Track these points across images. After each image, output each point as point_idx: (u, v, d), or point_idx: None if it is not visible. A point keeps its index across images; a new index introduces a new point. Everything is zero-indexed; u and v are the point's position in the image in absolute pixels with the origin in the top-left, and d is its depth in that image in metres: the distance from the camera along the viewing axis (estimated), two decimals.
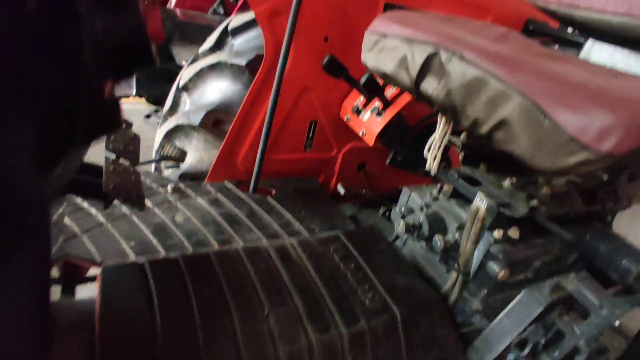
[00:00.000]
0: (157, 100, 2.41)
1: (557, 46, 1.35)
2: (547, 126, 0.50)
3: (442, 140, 0.76)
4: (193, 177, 1.33)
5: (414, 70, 0.68)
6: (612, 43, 0.93)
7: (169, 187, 1.11)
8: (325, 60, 1.03)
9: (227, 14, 2.57)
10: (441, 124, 0.75)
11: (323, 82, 1.16)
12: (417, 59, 0.68)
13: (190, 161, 1.38)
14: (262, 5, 0.99)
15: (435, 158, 0.77)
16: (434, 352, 0.80)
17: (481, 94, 0.58)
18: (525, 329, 0.81)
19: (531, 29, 1.38)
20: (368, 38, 0.82)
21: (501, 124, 0.56)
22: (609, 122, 0.46)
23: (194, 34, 2.38)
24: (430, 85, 0.67)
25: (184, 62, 2.10)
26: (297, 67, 1.12)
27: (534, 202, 0.80)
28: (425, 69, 0.67)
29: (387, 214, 1.30)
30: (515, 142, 0.55)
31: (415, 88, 0.70)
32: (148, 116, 2.25)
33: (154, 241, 0.90)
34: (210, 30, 2.49)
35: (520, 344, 0.81)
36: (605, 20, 0.87)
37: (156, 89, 2.17)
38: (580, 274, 0.83)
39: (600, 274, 0.89)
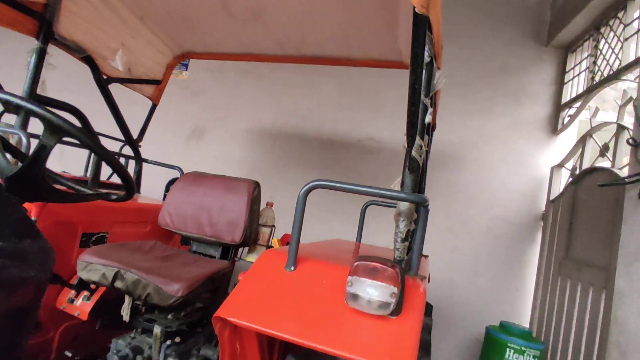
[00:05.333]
0: None
1: None
2: (161, 291, 1.49)
3: (129, 306, 1.62)
4: None
5: (110, 279, 1.55)
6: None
7: None
8: None
9: None
10: (126, 298, 1.63)
11: None
12: (110, 274, 1.55)
13: None
14: None
15: (127, 314, 1.61)
16: None
17: (139, 286, 1.51)
18: None
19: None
20: (80, 264, 1.62)
21: (147, 296, 1.51)
22: (177, 286, 1.50)
23: None
24: (119, 285, 1.54)
25: None
26: None
27: (178, 322, 1.77)
28: (115, 278, 1.55)
29: None
30: (151, 300, 1.50)
31: (111, 287, 1.55)
32: None
33: None
34: None
35: None
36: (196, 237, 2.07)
37: None
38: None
39: None
